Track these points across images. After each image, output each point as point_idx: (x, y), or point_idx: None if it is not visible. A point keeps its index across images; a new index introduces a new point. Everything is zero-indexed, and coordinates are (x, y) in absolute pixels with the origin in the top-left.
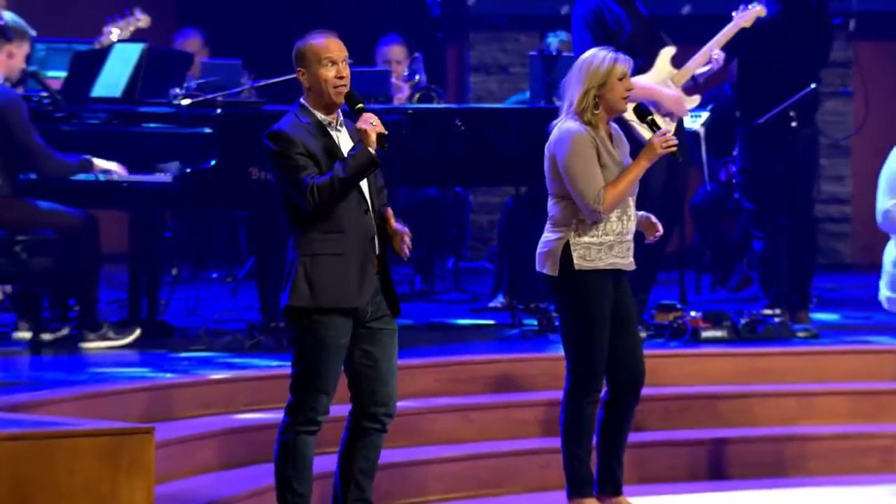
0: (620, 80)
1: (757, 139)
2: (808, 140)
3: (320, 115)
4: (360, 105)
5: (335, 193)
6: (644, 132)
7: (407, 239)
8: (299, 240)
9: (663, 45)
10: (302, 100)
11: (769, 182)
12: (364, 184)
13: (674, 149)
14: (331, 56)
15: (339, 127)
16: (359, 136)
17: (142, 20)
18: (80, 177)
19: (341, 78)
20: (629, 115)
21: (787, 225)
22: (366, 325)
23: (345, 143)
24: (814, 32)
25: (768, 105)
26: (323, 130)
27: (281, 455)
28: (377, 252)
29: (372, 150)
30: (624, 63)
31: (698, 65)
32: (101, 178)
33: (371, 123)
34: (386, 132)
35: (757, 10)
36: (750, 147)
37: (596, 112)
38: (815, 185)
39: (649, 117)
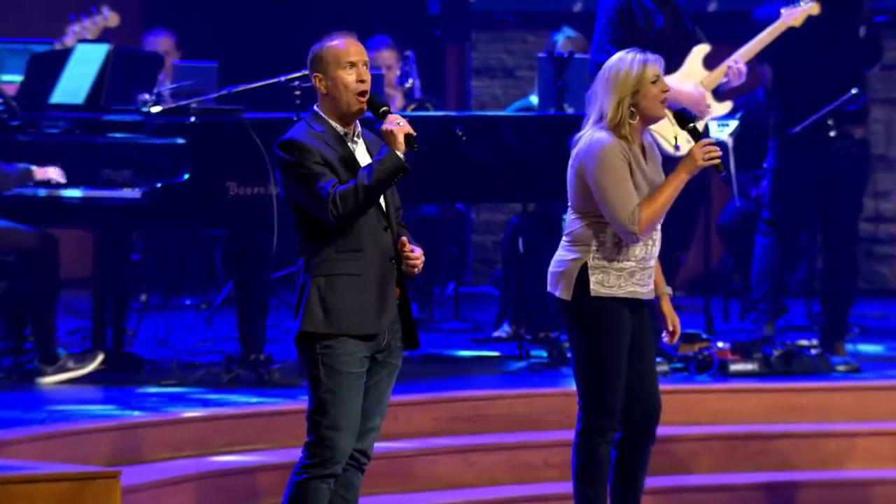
0: (654, 82)
1: (791, 151)
2: (851, 152)
3: (336, 125)
4: (384, 108)
5: (359, 203)
6: (667, 146)
7: (415, 258)
8: (312, 259)
9: (697, 43)
10: (315, 107)
11: (801, 199)
12: (381, 200)
13: (717, 161)
14: (351, 59)
15: (355, 138)
16: (384, 140)
17: (110, 19)
18: (30, 191)
19: (363, 82)
20: (655, 127)
21: (824, 246)
22: (375, 353)
23: (361, 155)
24: (854, 31)
25: (805, 112)
26: (339, 140)
27: (289, 501)
28: (396, 274)
29: (400, 154)
30: (655, 63)
31: (724, 73)
32: (42, 193)
33: (398, 124)
34: (414, 133)
35: (809, 8)
36: (783, 160)
37: (632, 122)
38: (860, 205)
39: (690, 125)
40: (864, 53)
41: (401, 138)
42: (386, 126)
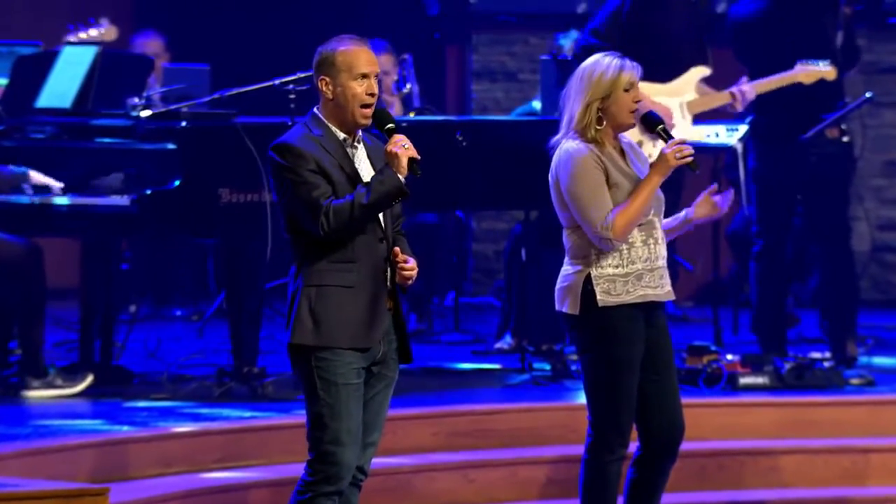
0: (627, 90)
1: (772, 151)
2: (829, 152)
3: (336, 129)
4: (390, 125)
5: (353, 220)
6: (650, 149)
7: (408, 269)
8: (303, 269)
9: (704, 56)
10: (316, 109)
11: (784, 203)
12: None
13: (689, 160)
14: (364, 71)
15: (355, 143)
16: (388, 160)
17: (108, 31)
18: (14, 198)
19: (372, 95)
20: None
21: (821, 252)
22: (371, 366)
23: (360, 161)
24: (832, 34)
25: (784, 115)
26: (338, 145)
27: None
28: (388, 286)
29: (401, 178)
30: (631, 71)
31: (723, 100)
32: (37, 200)
33: (403, 146)
34: (419, 157)
35: (825, 72)
36: (762, 163)
37: (599, 128)
38: (848, 205)
39: (659, 127)
40: (843, 57)
41: (404, 162)
42: (390, 148)
